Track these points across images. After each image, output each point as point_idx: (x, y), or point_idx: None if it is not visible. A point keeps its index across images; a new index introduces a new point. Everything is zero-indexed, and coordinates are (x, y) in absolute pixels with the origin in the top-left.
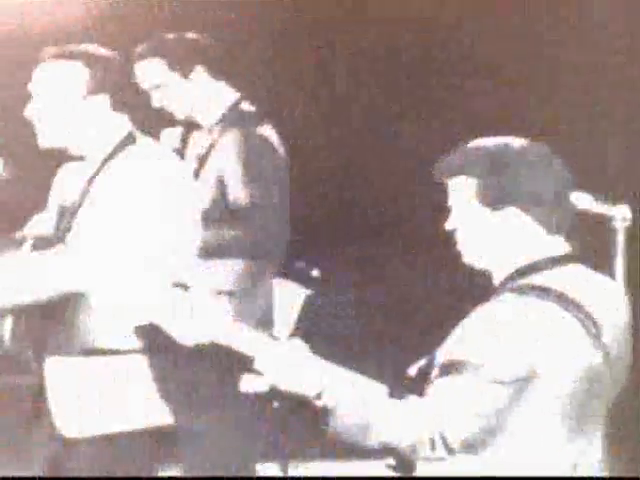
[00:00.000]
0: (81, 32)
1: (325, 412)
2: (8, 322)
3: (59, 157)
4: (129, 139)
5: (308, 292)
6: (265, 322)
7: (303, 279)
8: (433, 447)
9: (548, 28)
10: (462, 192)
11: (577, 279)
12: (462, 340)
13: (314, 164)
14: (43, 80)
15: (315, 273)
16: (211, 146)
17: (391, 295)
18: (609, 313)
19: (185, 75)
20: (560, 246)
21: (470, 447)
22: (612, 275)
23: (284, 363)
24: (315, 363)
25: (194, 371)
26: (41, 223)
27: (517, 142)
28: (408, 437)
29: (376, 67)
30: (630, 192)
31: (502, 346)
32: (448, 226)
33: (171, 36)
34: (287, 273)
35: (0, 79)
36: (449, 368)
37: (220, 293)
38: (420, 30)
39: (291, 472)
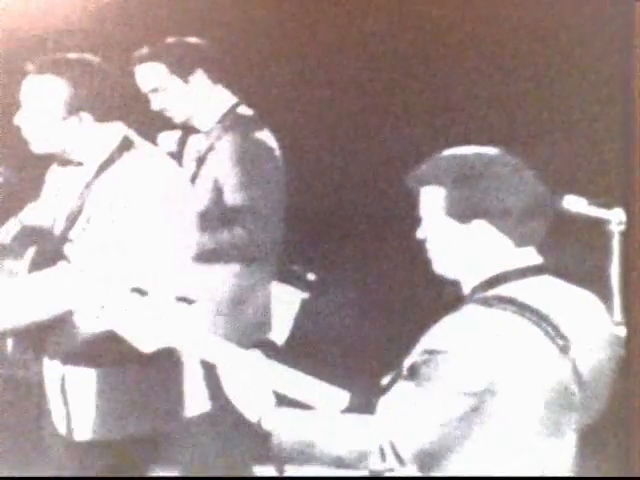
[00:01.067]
0: (78, 37)
1: (266, 436)
2: (10, 342)
3: (54, 160)
4: (126, 144)
5: (304, 295)
6: (262, 326)
7: (299, 283)
8: (383, 457)
9: (534, 30)
10: (431, 202)
11: (546, 291)
12: (423, 350)
13: (311, 168)
14: (29, 93)
15: (311, 276)
16: (208, 150)
17: (388, 298)
18: (580, 325)
19: (185, 79)
20: (531, 257)
21: (423, 459)
22: (607, 279)
23: (240, 374)
24: (271, 375)
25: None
26: (37, 215)
27: (488, 153)
28: (356, 448)
29: (376, 73)
30: (625, 195)
31: (463, 357)
32: (418, 235)
33: (171, 40)
34: (283, 277)
35: None
36: (409, 369)
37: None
38: (419, 34)
39: (288, 475)
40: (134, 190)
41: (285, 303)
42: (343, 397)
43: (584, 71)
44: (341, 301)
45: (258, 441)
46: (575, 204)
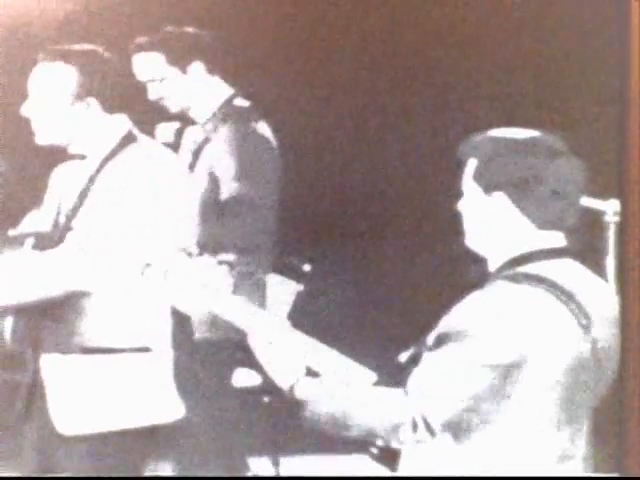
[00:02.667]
0: (79, 26)
1: (299, 404)
2: (9, 321)
3: (56, 154)
4: (129, 138)
5: (300, 287)
6: None
7: (295, 274)
8: (415, 429)
9: (533, 28)
10: (468, 173)
11: (571, 272)
12: (451, 323)
13: (307, 160)
14: (38, 80)
15: (307, 268)
16: (204, 141)
17: (384, 288)
18: (600, 307)
19: (183, 69)
20: (555, 240)
21: (453, 429)
22: (603, 269)
23: (272, 342)
24: (302, 346)
25: (188, 367)
26: (38, 221)
27: (530, 133)
28: (389, 420)
29: (375, 65)
30: (621, 187)
31: (491, 331)
32: (459, 207)
33: (170, 30)
34: (279, 268)
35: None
36: (436, 343)
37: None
38: (421, 27)
39: (283, 466)
40: (140, 184)
41: (280, 294)
42: (370, 377)
43: (582, 64)
44: (337, 292)
45: (289, 410)
46: None
